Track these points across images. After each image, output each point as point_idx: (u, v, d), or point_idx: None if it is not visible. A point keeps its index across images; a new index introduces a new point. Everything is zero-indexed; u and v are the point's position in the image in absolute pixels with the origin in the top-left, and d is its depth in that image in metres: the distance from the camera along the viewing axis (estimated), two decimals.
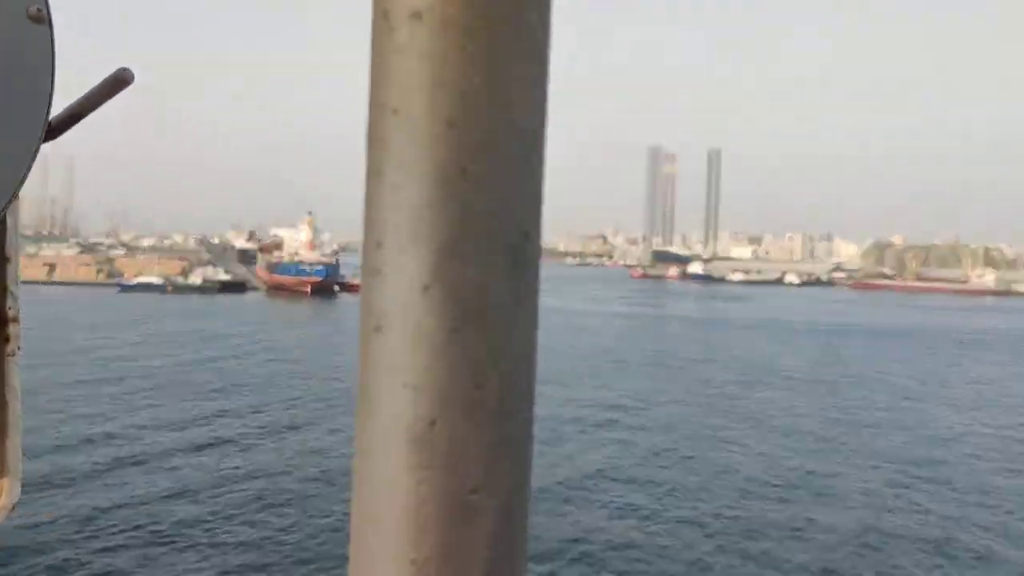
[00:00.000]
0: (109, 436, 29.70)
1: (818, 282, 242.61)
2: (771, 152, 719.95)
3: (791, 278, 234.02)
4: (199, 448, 28.43)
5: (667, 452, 31.05)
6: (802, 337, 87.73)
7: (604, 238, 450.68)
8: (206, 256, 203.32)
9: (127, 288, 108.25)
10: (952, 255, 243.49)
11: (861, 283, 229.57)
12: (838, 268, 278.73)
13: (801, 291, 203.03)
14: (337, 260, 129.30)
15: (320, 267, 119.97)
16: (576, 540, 21.56)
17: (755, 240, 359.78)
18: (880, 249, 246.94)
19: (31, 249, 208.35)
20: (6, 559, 18.52)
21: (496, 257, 0.38)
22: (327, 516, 21.95)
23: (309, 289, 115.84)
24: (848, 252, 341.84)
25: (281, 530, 21.18)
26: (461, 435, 0.38)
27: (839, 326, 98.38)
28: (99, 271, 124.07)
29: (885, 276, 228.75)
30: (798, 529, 22.98)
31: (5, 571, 18.12)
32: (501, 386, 0.40)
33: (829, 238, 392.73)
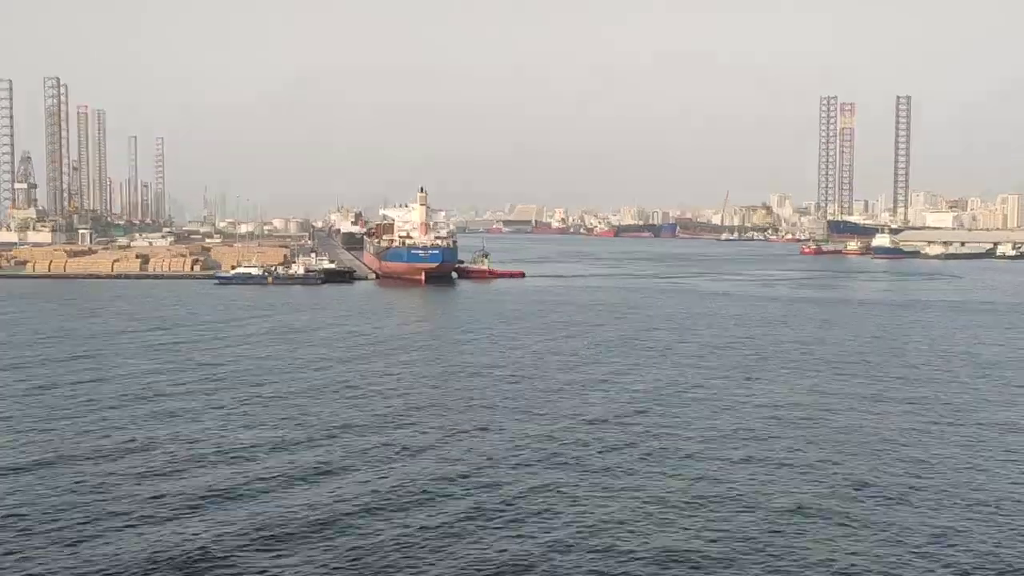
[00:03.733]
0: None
1: None
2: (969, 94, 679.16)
3: (1004, 249, 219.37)
4: None
5: None
6: None
7: (768, 208, 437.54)
8: (308, 243, 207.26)
9: (225, 281, 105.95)
10: None
11: None
12: None
13: (1018, 264, 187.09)
14: (454, 243, 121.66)
15: (435, 251, 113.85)
16: None
17: (957, 205, 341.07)
18: None
19: (123, 240, 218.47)
20: None
21: None
22: None
23: (423, 277, 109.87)
24: None
25: None
26: None
27: None
28: (195, 262, 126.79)
29: None
30: None
31: None
32: None
33: None
